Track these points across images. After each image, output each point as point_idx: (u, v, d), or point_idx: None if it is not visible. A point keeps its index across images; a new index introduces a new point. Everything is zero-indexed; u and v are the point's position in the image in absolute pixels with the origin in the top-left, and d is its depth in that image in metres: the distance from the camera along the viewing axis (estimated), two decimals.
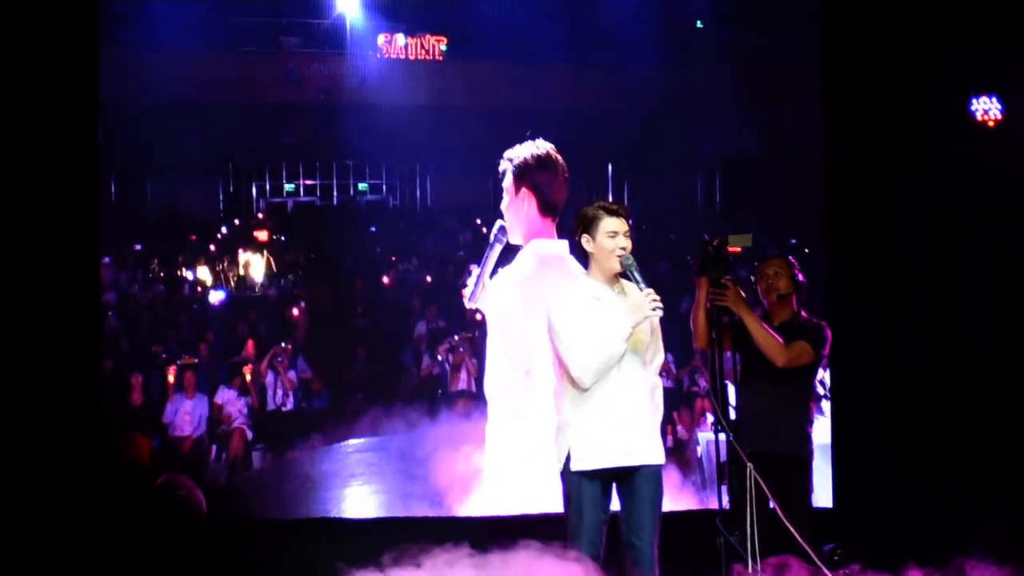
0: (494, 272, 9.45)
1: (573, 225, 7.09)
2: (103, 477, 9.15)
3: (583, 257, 7.09)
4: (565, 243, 9.29)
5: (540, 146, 9.49)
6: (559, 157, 9.50)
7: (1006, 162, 9.56)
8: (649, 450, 6.91)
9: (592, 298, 6.90)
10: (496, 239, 9.48)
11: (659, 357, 7.10)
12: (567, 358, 6.84)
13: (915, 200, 9.48)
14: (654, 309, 6.65)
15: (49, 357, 8.77)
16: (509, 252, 9.56)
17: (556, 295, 7.08)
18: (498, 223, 9.54)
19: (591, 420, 6.86)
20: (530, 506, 8.92)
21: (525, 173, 9.36)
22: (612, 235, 6.85)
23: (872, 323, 9.53)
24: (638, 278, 6.75)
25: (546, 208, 9.37)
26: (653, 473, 6.93)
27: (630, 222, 6.95)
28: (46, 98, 8.78)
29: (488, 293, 9.42)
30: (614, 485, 6.97)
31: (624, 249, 6.83)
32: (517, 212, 9.46)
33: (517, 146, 9.55)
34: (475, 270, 9.56)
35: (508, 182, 9.48)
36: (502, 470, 9.41)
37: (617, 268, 6.85)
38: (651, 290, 6.69)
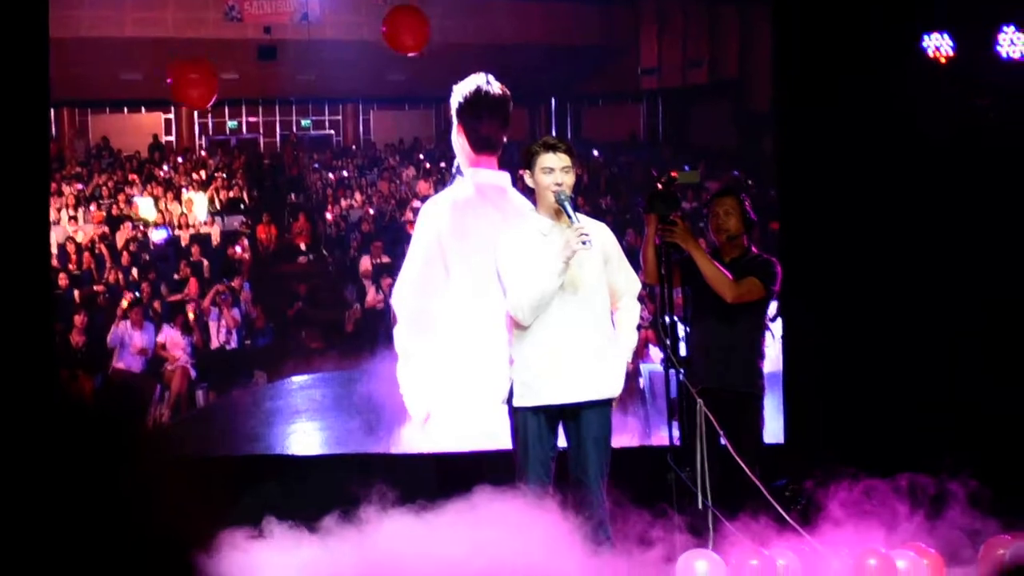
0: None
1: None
2: (51, 416, 9.06)
3: (530, 193, 7.15)
4: (506, 175, 9.44)
5: (472, 83, 9.55)
6: (500, 92, 9.52)
7: (957, 99, 9.55)
8: (593, 386, 6.96)
9: (539, 234, 6.98)
10: (457, 171, 9.65)
11: (630, 285, 7.22)
12: (506, 295, 6.94)
13: (865, 136, 9.45)
14: (584, 243, 6.68)
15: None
16: None
17: (504, 232, 7.18)
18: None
19: (531, 356, 6.94)
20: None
21: (458, 111, 9.50)
22: (548, 171, 6.92)
23: (823, 258, 9.52)
24: (570, 212, 6.82)
25: (478, 145, 9.47)
26: (598, 410, 6.99)
27: (574, 158, 7.02)
28: None
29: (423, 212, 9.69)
30: (561, 421, 7.02)
31: (560, 185, 6.88)
32: (457, 145, 9.58)
33: (462, 81, 9.60)
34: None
35: (453, 117, 9.63)
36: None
37: (553, 203, 6.90)
38: (580, 225, 6.76)
